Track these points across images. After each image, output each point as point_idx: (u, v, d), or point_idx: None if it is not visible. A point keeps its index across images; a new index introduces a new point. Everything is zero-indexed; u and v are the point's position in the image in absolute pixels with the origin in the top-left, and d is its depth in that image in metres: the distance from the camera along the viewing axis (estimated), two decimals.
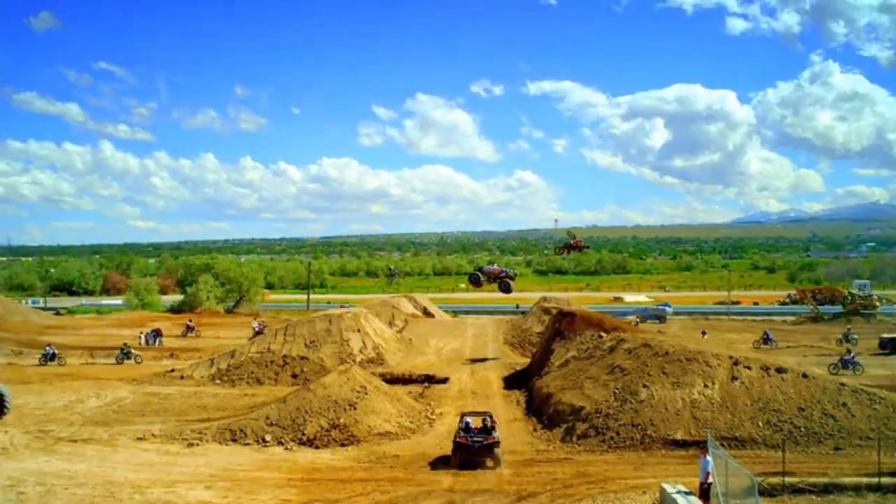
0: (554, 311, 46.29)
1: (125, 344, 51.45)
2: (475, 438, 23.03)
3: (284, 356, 41.01)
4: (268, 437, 25.84)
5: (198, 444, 25.47)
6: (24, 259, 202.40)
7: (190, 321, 67.70)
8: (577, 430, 25.76)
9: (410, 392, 35.80)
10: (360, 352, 42.05)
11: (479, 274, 46.82)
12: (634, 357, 28.87)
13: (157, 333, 59.26)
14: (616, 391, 26.87)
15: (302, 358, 40.97)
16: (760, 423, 24.42)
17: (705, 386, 25.79)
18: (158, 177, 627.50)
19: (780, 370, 26.63)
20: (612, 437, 24.72)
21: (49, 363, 47.71)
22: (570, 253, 44.35)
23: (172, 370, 41.76)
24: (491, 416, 24.42)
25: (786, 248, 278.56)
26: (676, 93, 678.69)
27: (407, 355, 44.39)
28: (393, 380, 38.41)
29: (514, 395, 34.78)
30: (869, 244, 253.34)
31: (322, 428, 26.21)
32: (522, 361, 42.66)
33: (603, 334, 34.86)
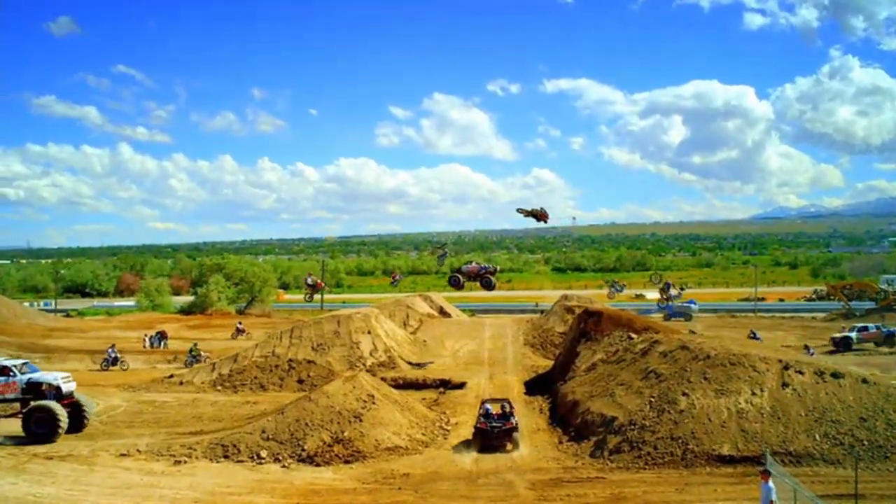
0: (577, 310, 43.53)
1: (194, 345, 49.04)
2: (494, 424, 24.28)
3: (290, 360, 38.52)
4: (263, 454, 23.17)
5: (185, 462, 22.80)
6: (43, 261, 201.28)
7: (240, 323, 64.81)
8: (609, 443, 22.84)
9: (424, 399, 33.23)
10: (371, 355, 39.44)
11: (458, 275, 46.03)
12: (671, 361, 25.88)
13: (161, 336, 56.95)
14: (652, 399, 23.90)
15: (308, 362, 38.47)
16: (817, 436, 21.43)
17: (753, 393, 22.79)
18: (177, 179, 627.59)
19: (835, 375, 23.59)
20: (648, 453, 21.76)
21: (111, 367, 45.43)
22: (527, 216, 42.56)
23: (171, 375, 39.43)
24: (509, 403, 26.13)
25: (806, 243, 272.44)
26: (694, 89, 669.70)
27: (421, 358, 41.66)
28: (405, 385, 35.97)
29: (536, 402, 32.04)
30: (891, 239, 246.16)
31: (324, 443, 23.48)
32: (544, 364, 39.89)
33: (633, 335, 32.03)
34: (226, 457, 23.22)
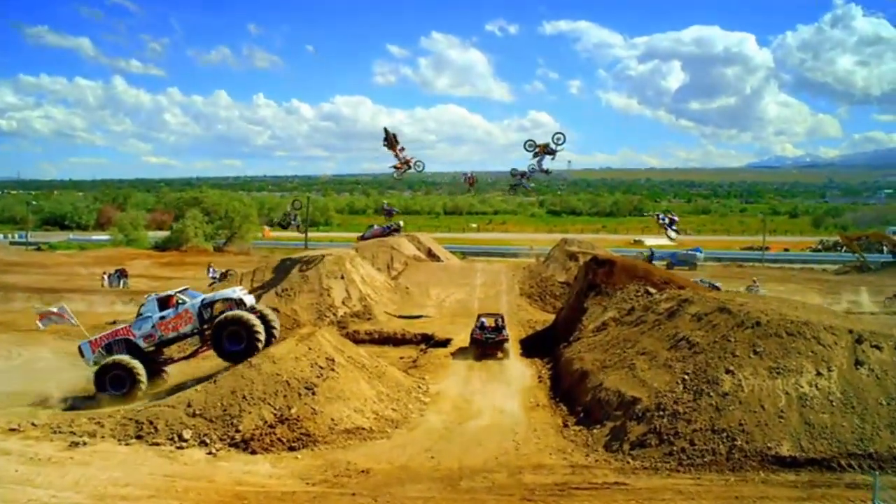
0: (581, 257, 38.36)
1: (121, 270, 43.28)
2: (488, 335, 27.50)
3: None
4: (187, 435, 17.98)
5: (85, 444, 17.59)
6: (33, 193, 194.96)
7: None
8: (631, 433, 17.70)
9: (402, 358, 28.28)
10: (344, 304, 34.30)
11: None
12: (708, 327, 20.55)
13: (121, 274, 51.77)
14: (685, 377, 18.65)
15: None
16: None
17: (818, 374, 17.60)
18: (171, 113, 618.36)
19: None
20: (683, 449, 16.60)
21: None
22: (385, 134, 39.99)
23: (114, 322, 34.16)
24: (502, 318, 29.53)
25: (802, 193, 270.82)
26: (694, 35, 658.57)
27: (401, 308, 36.48)
28: (382, 340, 31.20)
29: (534, 366, 26.82)
30: (887, 191, 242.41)
31: (264, 422, 18.23)
32: (543, 318, 34.80)
33: (652, 290, 26.88)
34: (139, 437, 18.00)
